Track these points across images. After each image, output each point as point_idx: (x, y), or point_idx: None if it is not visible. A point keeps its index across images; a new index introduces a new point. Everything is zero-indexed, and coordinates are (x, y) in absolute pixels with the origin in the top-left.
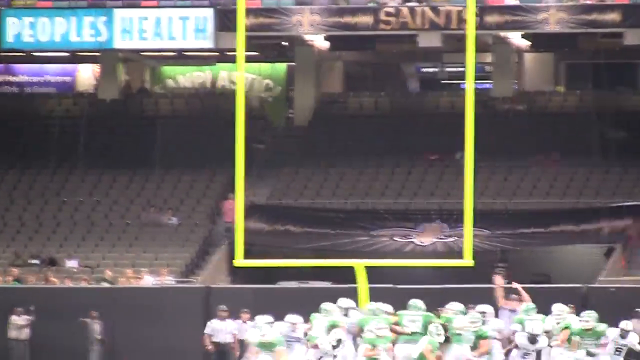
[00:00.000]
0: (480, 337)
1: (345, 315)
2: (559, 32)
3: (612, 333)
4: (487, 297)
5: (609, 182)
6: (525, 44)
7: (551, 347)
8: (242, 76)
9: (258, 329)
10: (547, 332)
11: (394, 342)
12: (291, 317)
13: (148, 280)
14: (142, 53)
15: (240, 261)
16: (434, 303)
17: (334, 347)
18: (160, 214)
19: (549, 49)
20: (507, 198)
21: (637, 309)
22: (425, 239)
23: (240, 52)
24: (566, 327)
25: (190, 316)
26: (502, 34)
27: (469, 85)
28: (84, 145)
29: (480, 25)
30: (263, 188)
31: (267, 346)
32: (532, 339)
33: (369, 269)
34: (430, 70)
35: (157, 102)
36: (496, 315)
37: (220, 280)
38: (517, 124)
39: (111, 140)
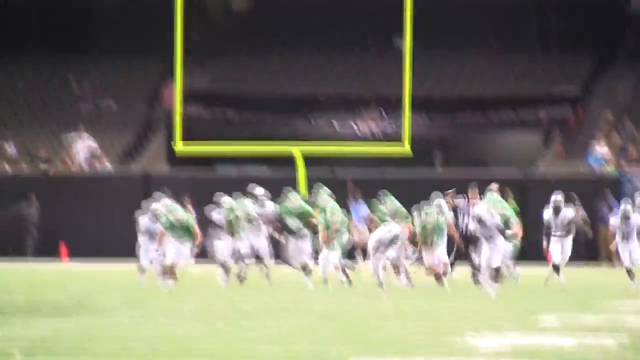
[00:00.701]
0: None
1: (261, 204)
2: None
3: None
4: (424, 183)
5: (548, 71)
6: None
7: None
8: None
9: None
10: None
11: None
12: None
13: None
14: None
15: (179, 147)
16: (373, 190)
17: None
18: (99, 98)
19: None
20: (446, 85)
21: (572, 195)
22: (363, 125)
23: None
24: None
25: (128, 202)
26: None
27: None
28: (21, 30)
29: None
30: (202, 74)
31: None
32: (480, 221)
33: (307, 155)
34: None
35: None
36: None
37: (158, 166)
38: (457, 11)
39: (49, 25)
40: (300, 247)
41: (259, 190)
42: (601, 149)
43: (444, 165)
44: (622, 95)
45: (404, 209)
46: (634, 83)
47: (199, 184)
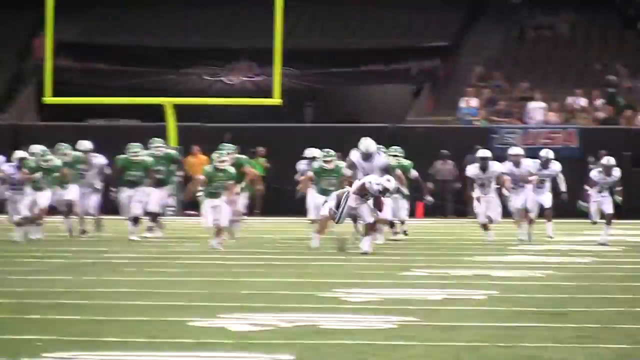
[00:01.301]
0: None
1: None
2: None
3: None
4: (297, 135)
5: (418, 23)
6: None
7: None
8: None
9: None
10: None
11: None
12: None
13: None
14: None
15: (49, 99)
16: (243, 141)
17: None
18: None
19: None
20: (317, 37)
21: (442, 151)
22: (234, 78)
23: None
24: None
25: None
26: None
27: None
28: None
29: None
30: (74, 26)
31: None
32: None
33: (178, 108)
34: None
35: None
36: None
37: (28, 118)
38: None
39: None
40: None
41: (87, 144)
42: (471, 102)
43: (315, 117)
44: (491, 48)
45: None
46: (503, 36)
47: (69, 136)
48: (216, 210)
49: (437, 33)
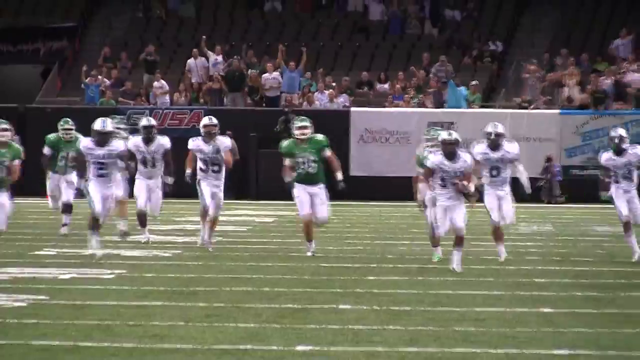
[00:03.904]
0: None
1: None
2: None
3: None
4: None
5: (45, 3)
6: None
7: None
8: None
9: None
10: None
11: None
12: None
13: None
14: None
15: None
16: None
17: None
18: None
19: None
20: None
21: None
22: None
23: None
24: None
25: None
26: None
27: None
28: None
29: None
30: None
31: None
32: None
33: None
34: None
35: None
36: None
37: None
38: None
39: None
40: None
41: None
42: (96, 82)
43: None
44: (118, 29)
45: None
46: (130, 16)
47: None
48: None
49: (65, 14)
